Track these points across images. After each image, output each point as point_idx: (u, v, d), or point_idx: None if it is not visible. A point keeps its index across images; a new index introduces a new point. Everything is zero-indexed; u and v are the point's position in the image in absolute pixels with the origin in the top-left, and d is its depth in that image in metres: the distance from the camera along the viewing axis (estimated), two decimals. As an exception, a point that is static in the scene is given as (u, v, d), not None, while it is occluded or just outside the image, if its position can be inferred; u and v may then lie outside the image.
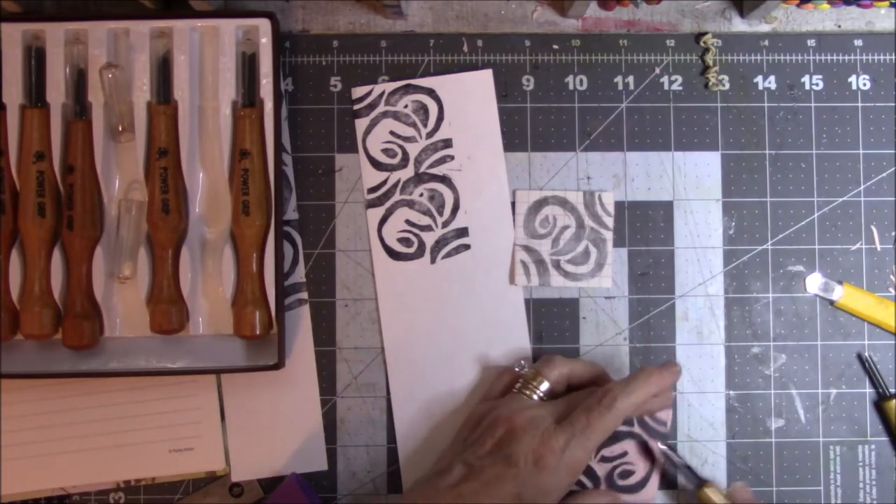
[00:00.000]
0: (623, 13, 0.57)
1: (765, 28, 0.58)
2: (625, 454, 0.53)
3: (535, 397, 0.50)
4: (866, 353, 0.55)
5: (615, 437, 0.53)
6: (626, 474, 0.53)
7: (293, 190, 0.56)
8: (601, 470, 0.53)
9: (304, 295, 0.56)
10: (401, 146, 0.56)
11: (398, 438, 0.55)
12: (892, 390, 0.55)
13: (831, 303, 0.55)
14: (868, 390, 0.56)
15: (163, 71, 0.54)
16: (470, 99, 0.56)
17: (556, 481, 0.46)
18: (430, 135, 0.56)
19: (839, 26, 0.58)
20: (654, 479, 0.53)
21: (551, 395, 0.51)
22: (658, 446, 0.53)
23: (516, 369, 0.52)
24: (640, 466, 0.53)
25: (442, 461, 0.49)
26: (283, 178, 0.55)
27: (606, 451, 0.53)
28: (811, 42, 0.57)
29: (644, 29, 0.57)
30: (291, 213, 0.56)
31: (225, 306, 0.54)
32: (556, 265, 0.56)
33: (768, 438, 0.56)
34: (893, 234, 0.56)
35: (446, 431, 0.54)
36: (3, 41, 0.53)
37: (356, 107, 0.56)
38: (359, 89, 0.56)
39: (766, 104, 0.57)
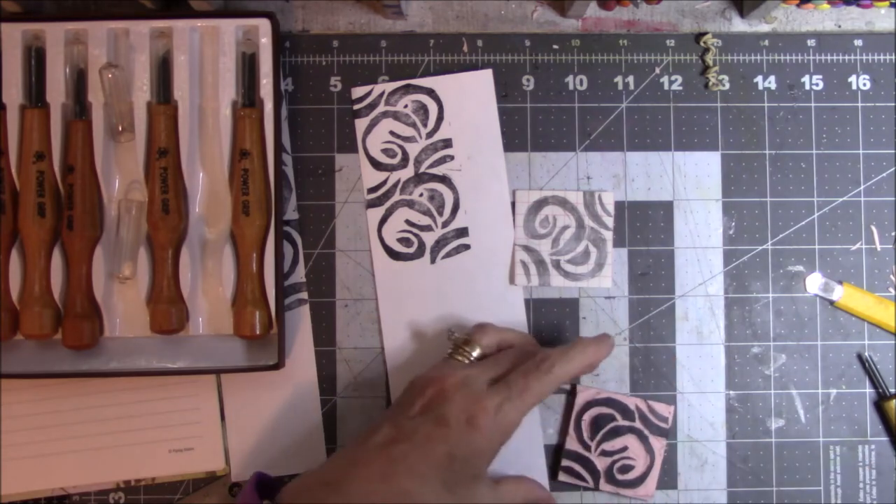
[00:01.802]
0: (623, 13, 0.57)
1: (765, 28, 0.58)
2: (625, 449, 0.53)
3: (467, 362, 0.49)
4: (866, 354, 0.55)
5: (616, 432, 0.53)
6: (626, 469, 0.53)
7: (293, 190, 0.56)
8: (601, 464, 0.53)
9: (304, 295, 0.56)
10: (401, 146, 0.56)
11: (398, 438, 0.55)
12: (892, 390, 0.55)
13: (831, 303, 0.55)
14: (868, 390, 0.56)
15: (163, 71, 0.54)
16: (470, 99, 0.56)
17: (488, 443, 0.45)
18: (430, 135, 0.56)
19: (839, 26, 0.58)
20: (654, 475, 0.53)
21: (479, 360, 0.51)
22: (659, 442, 0.53)
23: (448, 337, 0.52)
24: (640, 461, 0.53)
25: (373, 424, 0.48)
26: (283, 178, 0.55)
27: (607, 446, 0.53)
28: (811, 42, 0.57)
29: (644, 29, 0.57)
30: (291, 213, 0.56)
31: (225, 306, 0.54)
32: (556, 265, 0.56)
33: (768, 438, 0.56)
34: (893, 234, 0.56)
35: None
36: (3, 41, 0.53)
37: (356, 107, 0.56)
38: (359, 89, 0.57)
39: (766, 104, 0.57)
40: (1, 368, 0.53)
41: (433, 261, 0.56)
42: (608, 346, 0.50)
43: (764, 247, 0.56)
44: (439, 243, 0.56)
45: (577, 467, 0.53)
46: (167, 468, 0.55)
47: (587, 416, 0.54)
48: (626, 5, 0.57)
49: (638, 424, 0.54)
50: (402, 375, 0.55)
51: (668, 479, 0.55)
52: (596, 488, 0.53)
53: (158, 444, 0.55)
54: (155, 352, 0.54)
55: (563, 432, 0.54)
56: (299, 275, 0.56)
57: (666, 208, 0.57)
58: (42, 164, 0.53)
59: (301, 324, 0.56)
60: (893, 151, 0.57)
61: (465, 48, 0.57)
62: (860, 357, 0.56)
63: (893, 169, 0.57)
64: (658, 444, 0.53)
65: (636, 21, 0.58)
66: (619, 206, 0.57)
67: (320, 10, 0.57)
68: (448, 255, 0.56)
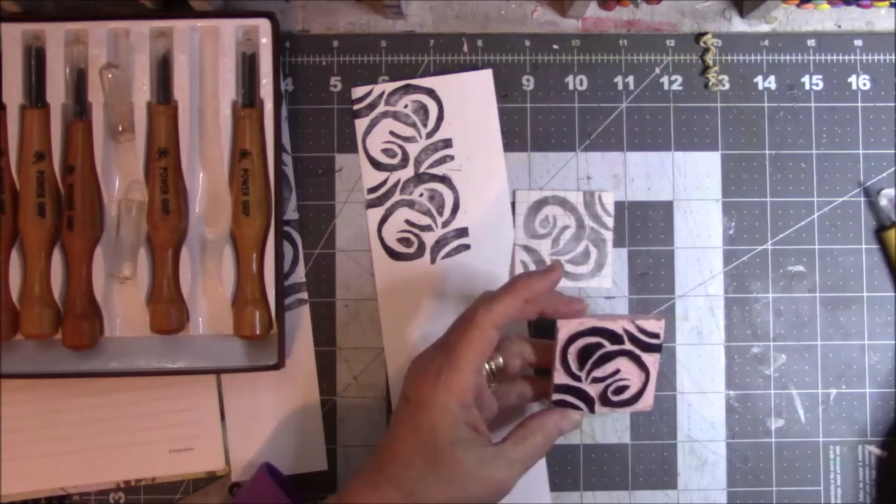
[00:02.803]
0: (623, 13, 0.57)
1: (765, 28, 0.58)
2: (617, 372, 0.50)
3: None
4: (867, 185, 0.56)
5: (606, 358, 0.50)
6: (621, 390, 0.50)
7: (293, 190, 0.56)
8: (594, 390, 0.50)
9: (304, 295, 0.56)
10: (401, 146, 0.56)
11: (398, 438, 0.55)
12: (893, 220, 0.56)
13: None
14: (868, 390, 0.56)
15: (163, 71, 0.54)
16: (470, 99, 0.56)
17: (441, 411, 0.44)
18: (430, 135, 0.56)
19: (839, 26, 0.58)
20: (651, 388, 0.50)
21: (499, 371, 0.49)
22: (652, 357, 0.50)
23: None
24: (634, 379, 0.50)
25: None
26: (283, 178, 0.55)
27: (598, 372, 0.50)
28: (811, 42, 0.57)
29: (644, 29, 0.57)
30: (291, 213, 0.56)
31: (225, 306, 0.54)
32: (556, 265, 0.56)
33: (768, 438, 0.56)
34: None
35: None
36: (3, 41, 0.53)
37: (356, 107, 0.57)
38: (359, 89, 0.57)
39: (766, 104, 0.57)
40: (1, 368, 0.53)
41: (433, 261, 0.56)
42: (548, 278, 0.48)
43: (764, 247, 0.56)
44: (439, 243, 0.56)
45: (569, 398, 0.50)
46: (167, 468, 0.55)
47: (573, 349, 0.50)
48: (626, 5, 0.57)
49: (628, 346, 0.50)
50: (402, 375, 0.55)
51: (668, 479, 0.55)
52: (592, 412, 0.50)
53: (158, 444, 0.55)
54: (155, 352, 0.54)
55: (550, 368, 0.51)
56: (299, 275, 0.56)
57: (666, 208, 0.57)
58: (42, 164, 0.53)
59: (301, 324, 0.56)
60: (893, 151, 0.57)
61: (465, 48, 0.57)
62: (862, 186, 0.56)
63: (893, 169, 0.57)
64: (651, 360, 0.50)
65: (636, 21, 0.58)
66: (619, 206, 0.57)
67: (320, 10, 0.57)
68: (448, 255, 0.56)
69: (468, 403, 0.45)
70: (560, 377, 0.50)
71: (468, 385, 0.45)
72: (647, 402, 0.50)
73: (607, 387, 0.50)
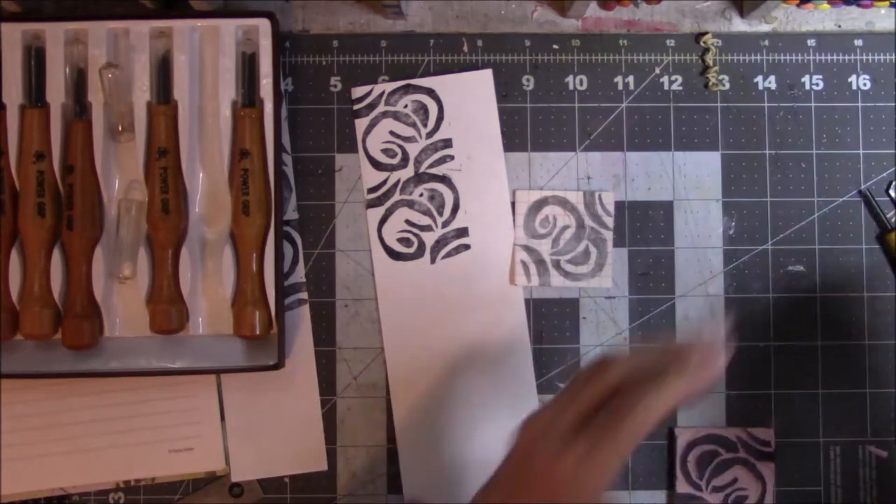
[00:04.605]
0: (623, 13, 0.57)
1: (765, 28, 0.58)
2: (735, 481, 0.53)
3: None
4: (864, 188, 0.56)
5: (723, 466, 0.53)
6: (741, 500, 0.53)
7: (293, 190, 0.56)
8: (714, 499, 0.53)
9: (304, 295, 0.56)
10: (401, 146, 0.56)
11: (398, 438, 0.55)
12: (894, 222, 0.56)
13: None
14: (868, 390, 0.56)
15: (163, 71, 0.54)
16: (470, 99, 0.56)
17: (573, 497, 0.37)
18: (430, 135, 0.56)
19: (839, 26, 0.58)
20: (769, 499, 0.53)
21: None
22: (767, 467, 0.53)
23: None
24: (752, 489, 0.53)
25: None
26: (283, 178, 0.55)
27: (717, 481, 0.53)
28: (811, 42, 0.57)
29: (644, 29, 0.57)
30: (291, 213, 0.56)
31: (225, 306, 0.54)
32: (557, 265, 0.56)
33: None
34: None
35: (446, 432, 0.54)
36: (3, 41, 0.53)
37: (356, 107, 0.56)
38: (359, 89, 0.56)
39: (766, 104, 0.57)
40: (1, 368, 0.53)
41: (433, 261, 0.56)
42: (715, 360, 0.39)
43: (764, 247, 0.56)
44: (439, 243, 0.56)
45: None
46: (167, 468, 0.55)
47: (692, 457, 0.54)
48: (626, 5, 0.57)
49: (742, 454, 0.54)
50: (402, 375, 0.55)
51: (669, 480, 0.55)
52: None
53: (158, 444, 0.55)
54: (155, 352, 0.54)
55: (671, 476, 0.54)
56: (299, 275, 0.56)
57: (666, 208, 0.57)
58: (42, 164, 0.53)
59: (301, 324, 0.56)
60: (893, 151, 0.57)
61: (465, 48, 0.57)
62: (860, 192, 0.56)
63: (893, 169, 0.57)
64: (767, 470, 0.53)
65: (636, 21, 0.58)
66: (619, 206, 0.57)
67: (320, 10, 0.57)
68: (448, 255, 0.56)
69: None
70: (682, 486, 0.53)
71: (608, 481, 0.38)
72: None
73: (727, 496, 0.53)
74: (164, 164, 0.53)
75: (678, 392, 0.38)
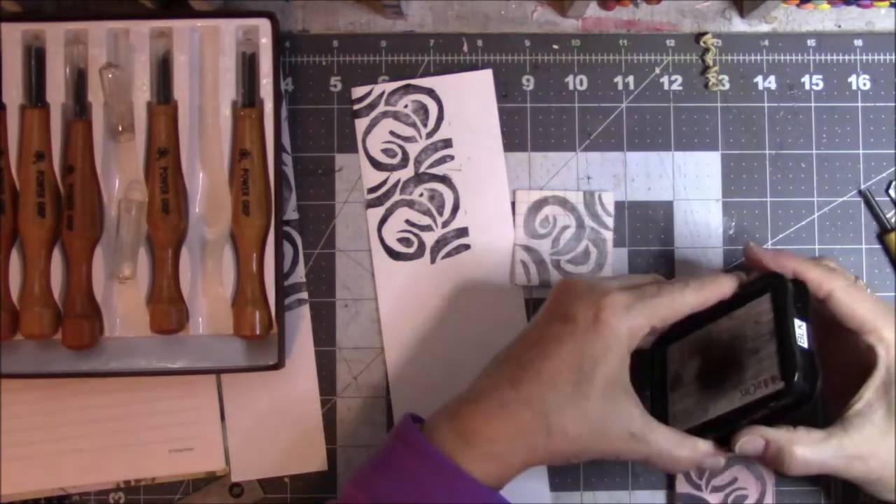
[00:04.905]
0: (623, 13, 0.57)
1: (765, 28, 0.58)
2: (735, 480, 0.53)
3: None
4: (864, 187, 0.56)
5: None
6: (740, 500, 0.53)
7: (293, 190, 0.56)
8: (715, 499, 0.53)
9: (304, 295, 0.56)
10: (401, 146, 0.56)
11: (398, 438, 0.55)
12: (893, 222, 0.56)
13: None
14: (868, 390, 0.56)
15: (163, 71, 0.54)
16: (470, 99, 0.56)
17: (616, 345, 0.42)
18: (429, 135, 0.56)
19: (839, 26, 0.58)
20: (769, 499, 0.53)
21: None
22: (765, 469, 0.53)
23: None
24: (751, 489, 0.53)
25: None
26: (283, 178, 0.55)
27: (717, 481, 0.53)
28: (811, 42, 0.57)
29: (644, 29, 0.57)
30: (291, 213, 0.56)
31: (225, 306, 0.54)
32: (557, 265, 0.56)
33: (768, 438, 0.55)
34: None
35: (446, 431, 0.54)
36: (3, 41, 0.53)
37: (356, 107, 0.57)
38: (359, 89, 0.57)
39: (766, 104, 0.57)
40: (1, 368, 0.53)
41: (433, 261, 0.56)
42: (734, 282, 0.46)
43: (764, 247, 0.56)
44: (439, 243, 0.56)
45: None
46: (167, 468, 0.55)
47: None
48: (626, 5, 0.57)
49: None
50: (402, 375, 0.55)
51: (668, 479, 0.55)
52: None
53: (158, 444, 0.55)
54: (155, 352, 0.54)
55: (671, 475, 0.54)
56: (299, 275, 0.56)
57: (666, 208, 0.57)
58: (42, 164, 0.53)
59: (301, 324, 0.56)
60: (893, 151, 0.57)
61: (465, 48, 0.57)
62: (860, 192, 0.56)
63: (893, 169, 0.57)
64: (767, 469, 0.53)
65: (636, 21, 0.58)
66: (619, 206, 0.57)
67: (320, 10, 0.57)
68: (448, 255, 0.56)
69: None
70: (682, 486, 0.53)
71: (643, 336, 0.43)
72: None
73: (727, 496, 0.52)
74: (164, 164, 0.53)
75: (698, 295, 0.45)
